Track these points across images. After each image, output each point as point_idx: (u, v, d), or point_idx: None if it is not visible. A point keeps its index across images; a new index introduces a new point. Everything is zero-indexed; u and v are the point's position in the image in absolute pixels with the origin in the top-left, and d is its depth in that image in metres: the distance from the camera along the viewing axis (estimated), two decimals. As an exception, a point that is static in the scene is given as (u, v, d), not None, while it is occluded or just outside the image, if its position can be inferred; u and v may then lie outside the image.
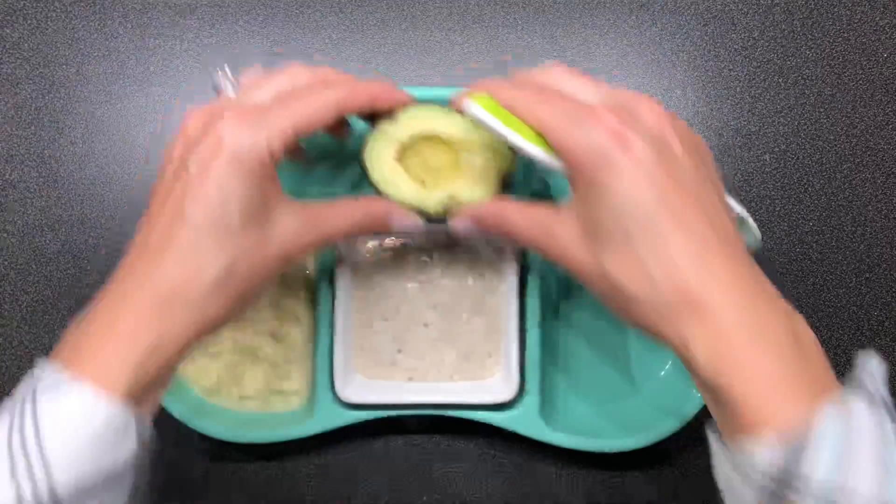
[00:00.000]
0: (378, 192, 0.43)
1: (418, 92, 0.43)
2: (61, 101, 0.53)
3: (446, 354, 0.49)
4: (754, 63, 0.54)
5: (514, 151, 0.42)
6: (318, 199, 0.42)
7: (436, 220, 0.43)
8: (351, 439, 0.51)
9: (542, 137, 0.37)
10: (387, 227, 0.43)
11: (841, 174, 0.53)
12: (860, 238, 0.53)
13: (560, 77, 0.39)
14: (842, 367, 0.53)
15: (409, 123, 0.42)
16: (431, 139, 0.43)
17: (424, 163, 0.43)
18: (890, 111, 0.53)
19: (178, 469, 0.51)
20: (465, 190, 0.42)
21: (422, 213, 0.43)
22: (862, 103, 0.54)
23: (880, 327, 0.53)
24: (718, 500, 0.54)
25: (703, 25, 0.54)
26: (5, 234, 0.52)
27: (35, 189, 0.52)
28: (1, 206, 0.52)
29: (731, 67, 0.54)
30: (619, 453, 0.50)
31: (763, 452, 0.31)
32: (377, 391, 0.48)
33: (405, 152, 0.43)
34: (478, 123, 0.39)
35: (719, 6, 0.54)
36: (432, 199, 0.43)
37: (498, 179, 0.43)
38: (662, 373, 0.51)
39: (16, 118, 0.52)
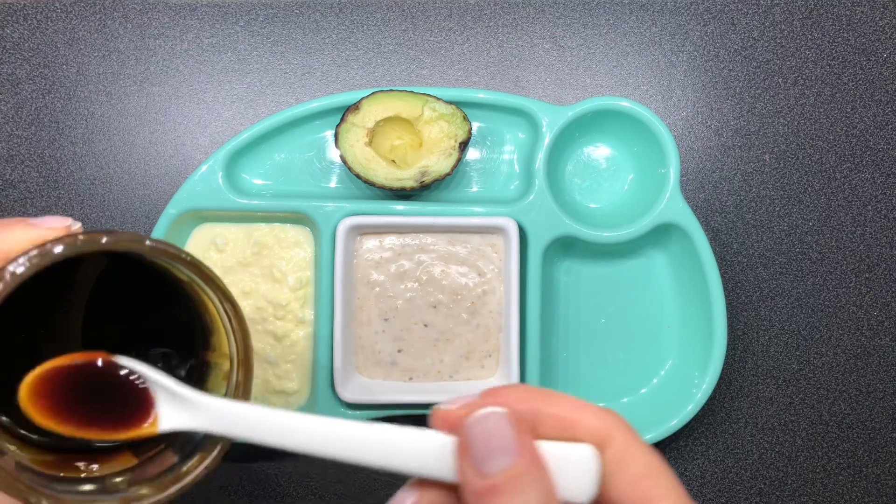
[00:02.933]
0: (359, 177, 0.48)
1: (420, 92, 0.44)
2: (61, 101, 0.53)
3: (446, 354, 0.49)
4: (754, 63, 0.54)
5: (467, 120, 0.48)
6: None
7: (413, 192, 0.49)
8: (351, 439, 0.51)
9: None
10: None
11: (841, 174, 0.53)
12: (860, 238, 0.53)
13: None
14: (841, 366, 0.53)
15: (372, 110, 0.48)
16: (393, 120, 0.48)
17: (391, 143, 0.49)
18: (890, 111, 0.53)
19: (178, 469, 0.51)
20: (434, 163, 0.48)
21: (402, 189, 0.48)
22: (862, 103, 0.54)
23: (880, 327, 0.53)
24: (718, 500, 0.55)
25: (703, 25, 0.54)
26: (5, 234, 0.52)
27: (35, 189, 0.52)
28: (1, 206, 0.52)
29: (731, 67, 0.54)
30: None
31: None
32: (377, 391, 0.48)
33: (374, 136, 0.48)
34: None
35: (719, 6, 0.54)
36: (407, 175, 0.48)
37: (457, 146, 0.48)
38: (663, 372, 0.51)
39: (16, 118, 0.52)
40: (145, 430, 0.31)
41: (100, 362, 0.31)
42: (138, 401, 0.32)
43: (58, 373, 0.31)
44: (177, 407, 0.31)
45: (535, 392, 0.30)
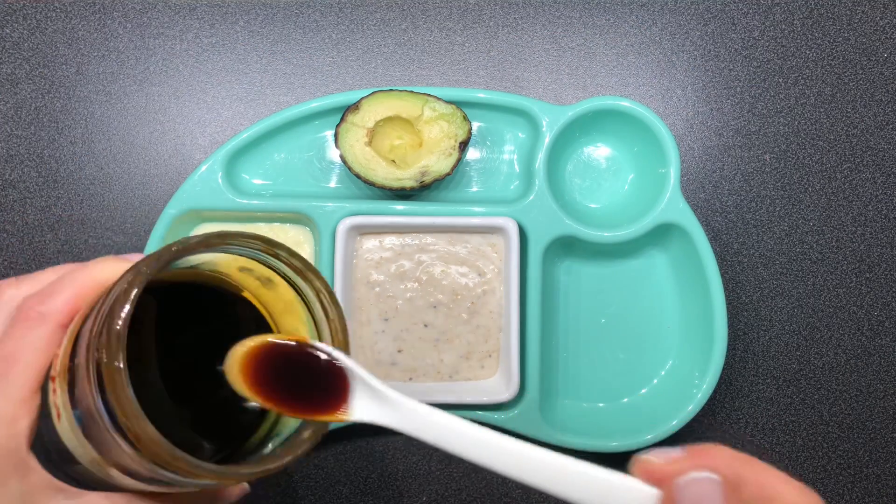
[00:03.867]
0: (359, 177, 0.48)
1: (420, 92, 0.44)
2: (61, 101, 0.53)
3: (446, 354, 0.49)
4: (754, 63, 0.54)
5: (467, 119, 0.48)
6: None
7: (413, 192, 0.49)
8: (351, 439, 0.51)
9: None
10: None
11: (841, 174, 0.53)
12: (860, 238, 0.53)
13: None
14: (841, 366, 0.53)
15: (372, 109, 0.48)
16: (393, 120, 0.48)
17: (391, 143, 0.49)
18: (890, 111, 0.53)
19: (178, 469, 0.51)
20: (434, 163, 0.48)
21: (402, 189, 0.48)
22: (862, 103, 0.54)
23: (880, 327, 0.53)
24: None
25: (703, 25, 0.54)
26: (5, 234, 0.52)
27: (35, 189, 0.52)
28: (1, 206, 0.52)
29: (731, 67, 0.54)
30: (620, 453, 0.50)
31: None
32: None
33: (374, 136, 0.48)
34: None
35: (719, 6, 0.54)
36: (407, 175, 0.48)
37: (457, 145, 0.48)
38: (663, 372, 0.51)
39: (16, 118, 0.52)
40: (338, 416, 0.32)
41: (297, 345, 0.32)
42: (334, 388, 0.32)
43: (264, 350, 0.32)
44: (371, 400, 0.32)
45: (741, 458, 0.30)
